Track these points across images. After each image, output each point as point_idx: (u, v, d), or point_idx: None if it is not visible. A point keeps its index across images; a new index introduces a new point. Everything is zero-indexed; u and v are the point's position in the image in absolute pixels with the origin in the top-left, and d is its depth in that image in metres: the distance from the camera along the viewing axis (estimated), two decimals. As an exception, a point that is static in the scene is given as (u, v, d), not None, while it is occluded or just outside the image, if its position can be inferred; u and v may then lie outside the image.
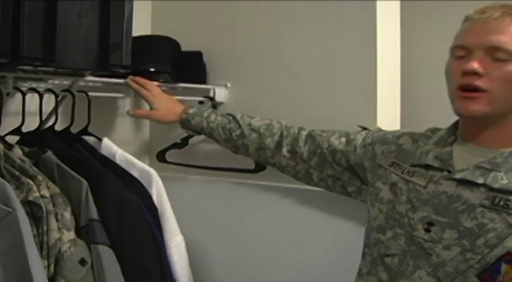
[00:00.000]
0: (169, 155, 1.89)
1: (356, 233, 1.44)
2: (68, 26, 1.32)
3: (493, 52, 1.09)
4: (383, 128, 1.47)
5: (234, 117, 1.54)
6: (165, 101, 1.59)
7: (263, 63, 1.77)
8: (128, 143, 1.89)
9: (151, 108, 1.59)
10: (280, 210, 1.68)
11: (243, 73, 1.81)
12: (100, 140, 1.50)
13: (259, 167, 1.70)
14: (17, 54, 1.24)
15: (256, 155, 1.53)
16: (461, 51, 1.13)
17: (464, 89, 1.11)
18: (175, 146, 1.86)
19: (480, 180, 1.11)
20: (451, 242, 1.11)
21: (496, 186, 1.09)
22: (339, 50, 1.62)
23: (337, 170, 1.41)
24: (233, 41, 1.83)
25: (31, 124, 1.45)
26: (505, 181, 1.09)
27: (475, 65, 1.09)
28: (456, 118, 1.22)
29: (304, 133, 1.48)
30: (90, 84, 1.59)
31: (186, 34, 1.81)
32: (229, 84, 1.83)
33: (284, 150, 1.48)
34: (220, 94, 1.82)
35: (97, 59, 1.38)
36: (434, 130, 1.29)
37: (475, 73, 1.09)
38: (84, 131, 1.50)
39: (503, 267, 1.06)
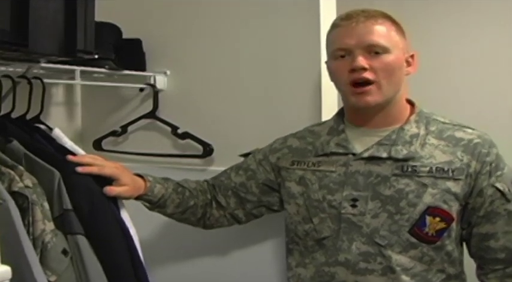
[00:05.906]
0: (105, 144, 1.86)
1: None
2: (37, 8, 1.26)
3: (371, 49, 1.30)
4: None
5: (175, 182, 1.49)
6: (127, 173, 1.36)
7: (202, 51, 1.81)
8: (60, 132, 1.81)
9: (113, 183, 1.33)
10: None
11: (182, 61, 1.84)
12: (50, 129, 1.44)
13: (206, 152, 1.75)
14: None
15: (201, 214, 1.50)
16: (341, 52, 1.33)
17: (355, 83, 1.31)
18: (113, 133, 1.84)
19: (385, 155, 1.32)
20: (377, 211, 1.31)
21: (400, 157, 1.31)
22: (282, 38, 1.69)
23: (254, 198, 1.51)
24: (172, 28, 1.84)
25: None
26: (404, 152, 1.32)
27: (362, 62, 1.30)
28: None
29: (210, 184, 1.54)
30: (35, 70, 1.52)
31: (125, 22, 1.79)
32: (168, 72, 1.85)
33: (213, 203, 1.53)
34: (160, 81, 1.84)
35: (64, 44, 1.33)
36: (316, 125, 1.49)
37: (362, 68, 1.29)
38: (37, 119, 1.44)
39: (428, 219, 1.29)
